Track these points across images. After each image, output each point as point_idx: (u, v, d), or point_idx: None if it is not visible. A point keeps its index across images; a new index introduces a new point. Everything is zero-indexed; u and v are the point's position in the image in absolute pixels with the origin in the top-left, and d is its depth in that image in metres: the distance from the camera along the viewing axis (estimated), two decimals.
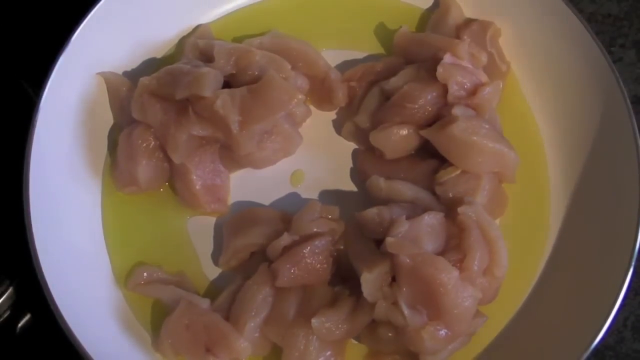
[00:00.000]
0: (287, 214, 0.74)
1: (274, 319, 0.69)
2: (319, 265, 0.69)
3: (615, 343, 0.78)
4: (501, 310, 0.73)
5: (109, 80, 0.79)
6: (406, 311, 0.65)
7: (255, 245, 0.73)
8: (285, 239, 0.70)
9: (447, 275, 0.64)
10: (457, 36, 0.80)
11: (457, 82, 0.73)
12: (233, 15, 0.85)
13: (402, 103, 0.74)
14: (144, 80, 0.74)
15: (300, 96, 0.74)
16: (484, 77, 0.76)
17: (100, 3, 0.76)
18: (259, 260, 0.72)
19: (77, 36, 0.75)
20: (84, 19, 0.75)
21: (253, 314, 0.69)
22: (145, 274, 0.73)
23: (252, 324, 0.68)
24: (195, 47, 0.78)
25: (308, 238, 0.70)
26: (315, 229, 0.71)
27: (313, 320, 0.67)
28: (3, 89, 0.83)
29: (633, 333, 0.78)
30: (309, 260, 0.69)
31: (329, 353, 0.68)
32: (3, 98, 0.82)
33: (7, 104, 0.82)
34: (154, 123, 0.74)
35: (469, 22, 0.81)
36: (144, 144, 0.75)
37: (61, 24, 0.75)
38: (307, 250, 0.69)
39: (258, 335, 0.69)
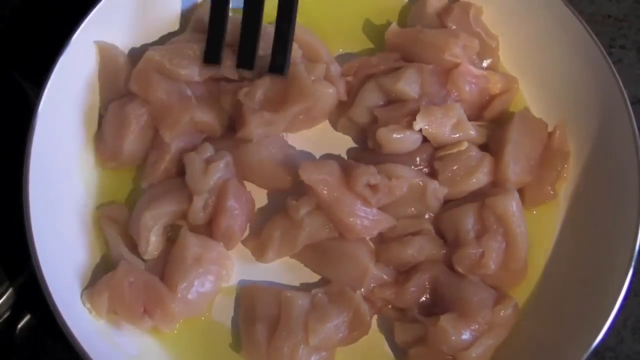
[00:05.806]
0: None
1: (249, 346, 0.69)
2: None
3: (615, 344, 0.78)
4: None
5: (104, 50, 0.77)
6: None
7: (174, 212, 0.73)
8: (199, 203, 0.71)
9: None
10: (441, 24, 0.80)
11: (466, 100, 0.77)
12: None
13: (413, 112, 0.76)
14: (150, 53, 0.74)
15: (331, 90, 0.75)
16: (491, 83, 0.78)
17: (101, 3, 0.76)
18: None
19: (77, 36, 0.75)
20: (84, 19, 0.75)
21: (184, 274, 0.69)
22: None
23: (185, 284, 0.69)
24: (200, 22, 0.79)
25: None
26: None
27: (311, 338, 0.67)
28: (3, 89, 0.82)
29: (633, 334, 0.78)
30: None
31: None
32: (3, 98, 0.82)
33: (7, 104, 0.82)
34: (153, 100, 0.74)
35: (449, 7, 0.81)
36: (136, 119, 0.74)
37: (61, 24, 0.75)
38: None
39: (192, 297, 0.69)
